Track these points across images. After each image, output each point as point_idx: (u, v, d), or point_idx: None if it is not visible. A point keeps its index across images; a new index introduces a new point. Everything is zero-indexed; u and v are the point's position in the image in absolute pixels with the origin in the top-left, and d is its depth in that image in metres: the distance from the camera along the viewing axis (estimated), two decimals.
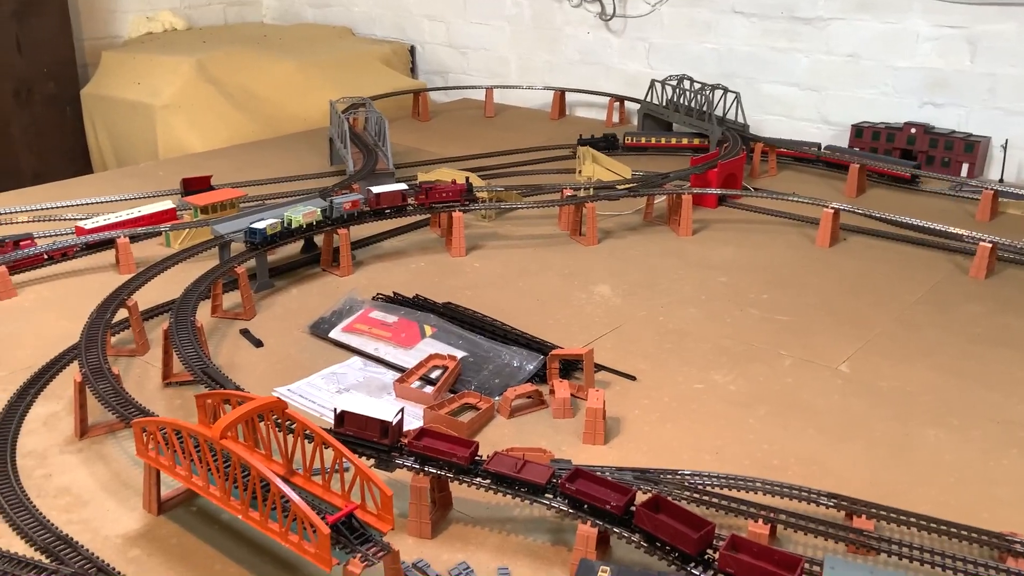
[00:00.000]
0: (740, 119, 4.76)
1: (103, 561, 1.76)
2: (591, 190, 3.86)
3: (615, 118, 5.61)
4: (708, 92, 4.79)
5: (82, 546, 1.80)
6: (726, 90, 4.77)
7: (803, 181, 4.47)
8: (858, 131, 4.76)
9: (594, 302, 3.10)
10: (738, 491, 1.92)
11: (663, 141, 4.96)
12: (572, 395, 2.40)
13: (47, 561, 1.77)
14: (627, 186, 3.96)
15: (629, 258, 3.50)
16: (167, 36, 6.45)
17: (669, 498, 1.72)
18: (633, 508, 1.72)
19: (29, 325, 2.81)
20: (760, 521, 1.80)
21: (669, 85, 5.07)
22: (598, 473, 1.83)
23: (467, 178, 3.72)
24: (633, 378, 2.57)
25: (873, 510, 1.86)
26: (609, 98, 5.62)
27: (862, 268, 3.40)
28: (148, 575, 1.75)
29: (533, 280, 3.28)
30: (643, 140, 4.95)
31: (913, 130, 4.57)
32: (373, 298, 3.02)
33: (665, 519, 1.65)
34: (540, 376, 2.53)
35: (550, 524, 1.94)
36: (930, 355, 2.72)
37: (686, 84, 4.97)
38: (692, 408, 2.42)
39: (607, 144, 4.84)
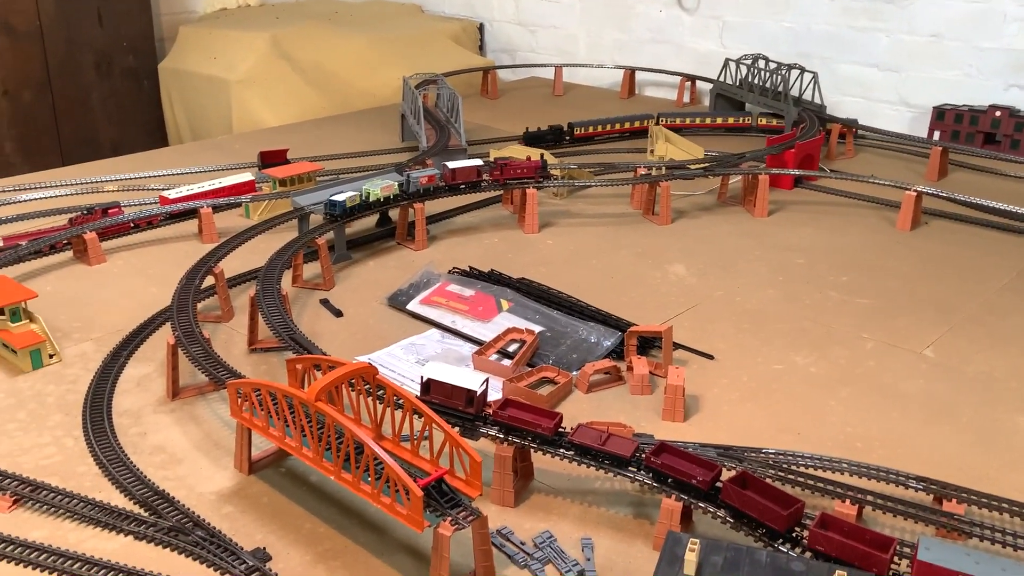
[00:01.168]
0: (817, 100, 4.66)
1: (198, 516, 1.82)
2: (664, 169, 3.83)
3: (686, 98, 5.55)
4: (784, 72, 4.71)
5: (178, 501, 1.87)
6: (803, 70, 4.68)
7: (882, 163, 4.38)
8: (939, 114, 4.63)
9: (669, 281, 3.08)
10: (824, 471, 1.91)
11: (608, 128, 4.74)
12: (650, 372, 2.40)
13: (146, 514, 1.84)
14: (701, 166, 3.92)
15: (703, 238, 3.47)
16: (241, 12, 6.54)
17: (755, 475, 1.72)
18: (719, 484, 1.72)
19: (118, 290, 2.90)
20: (848, 502, 1.78)
21: (743, 64, 4.99)
22: (682, 448, 1.82)
23: (542, 155, 3.72)
24: (711, 357, 2.55)
25: (963, 494, 1.83)
26: (680, 77, 5.55)
27: (945, 252, 3.32)
28: (241, 531, 1.80)
29: (606, 258, 3.27)
30: (590, 129, 4.70)
31: (998, 113, 4.44)
32: (449, 272, 3.05)
33: (753, 495, 1.65)
34: (617, 353, 2.54)
35: (632, 497, 1.94)
36: (1018, 341, 2.65)
37: (761, 63, 4.89)
38: (772, 388, 2.40)
39: (554, 137, 4.58)
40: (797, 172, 3.92)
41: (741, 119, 4.89)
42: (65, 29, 5.58)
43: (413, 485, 1.57)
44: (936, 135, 4.62)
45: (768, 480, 1.76)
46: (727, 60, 5.10)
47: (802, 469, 1.89)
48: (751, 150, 4.10)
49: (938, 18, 4.68)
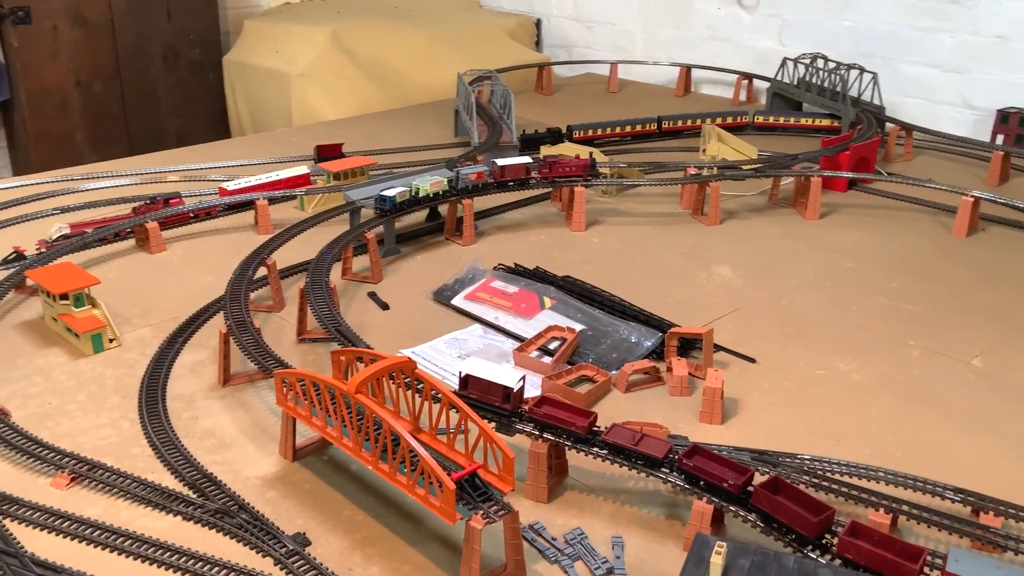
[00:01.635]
0: (876, 101, 4.58)
1: (243, 499, 1.89)
2: (715, 169, 3.81)
3: (742, 96, 5.50)
4: (843, 72, 4.64)
5: (225, 484, 1.94)
6: (862, 70, 4.60)
7: (941, 167, 4.29)
8: (1003, 117, 4.52)
9: (714, 282, 3.08)
10: (859, 479, 1.90)
11: (610, 131, 4.63)
12: (690, 374, 2.41)
13: (194, 496, 1.92)
14: (753, 166, 3.89)
15: (752, 239, 3.45)
16: (304, 6, 6.66)
17: (788, 481, 1.72)
18: (750, 488, 1.73)
19: (176, 278, 3.01)
20: (881, 510, 1.78)
21: (802, 63, 4.93)
22: (716, 451, 1.84)
23: (591, 153, 3.73)
24: (753, 360, 2.55)
25: (1001, 507, 1.81)
26: (737, 75, 5.50)
27: (1001, 260, 3.25)
28: (283, 515, 1.87)
29: (652, 257, 3.28)
30: (590, 132, 4.57)
31: None
32: (495, 268, 3.09)
33: (784, 501, 1.66)
34: (657, 353, 2.55)
35: (664, 498, 1.96)
36: None
37: (820, 63, 4.82)
38: (813, 393, 2.39)
39: (552, 139, 4.41)
40: (851, 175, 3.87)
41: (738, 118, 4.81)
42: (135, 22, 5.76)
43: (446, 478, 1.62)
44: (999, 139, 4.51)
45: (801, 486, 1.77)
46: (785, 59, 5.04)
47: (837, 476, 1.89)
48: (805, 151, 4.05)
49: (1004, 19, 4.56)
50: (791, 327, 2.76)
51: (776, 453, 1.97)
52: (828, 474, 1.90)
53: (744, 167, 3.89)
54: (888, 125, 4.48)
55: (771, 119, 4.87)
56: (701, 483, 1.78)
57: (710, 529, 1.77)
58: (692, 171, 3.78)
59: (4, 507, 1.85)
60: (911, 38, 4.91)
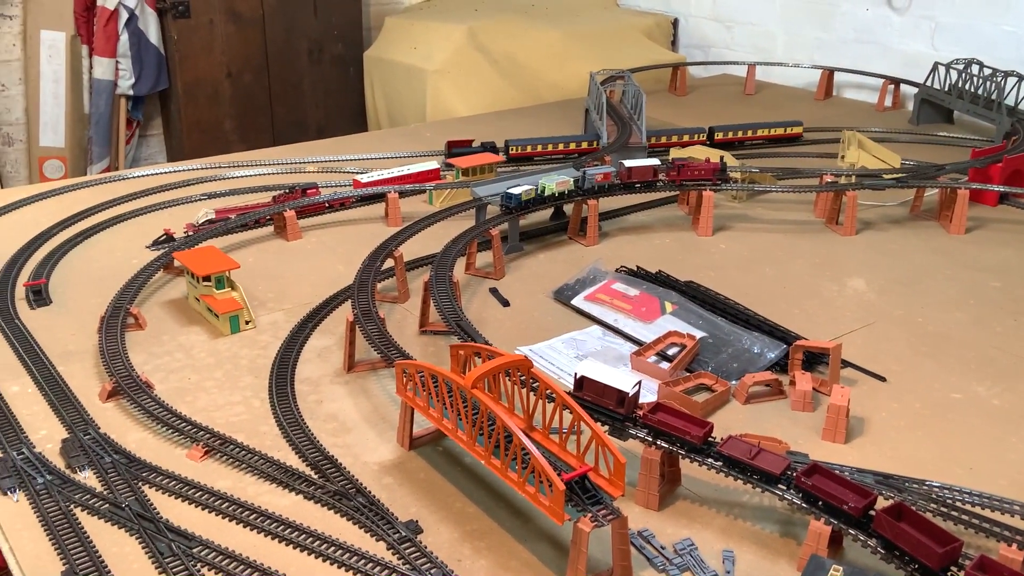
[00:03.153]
0: None
1: (361, 483, 1.96)
2: (853, 177, 3.67)
3: (887, 102, 5.26)
4: (999, 79, 4.37)
5: (344, 467, 2.02)
6: (1021, 77, 4.32)
7: None
8: None
9: (846, 295, 2.96)
10: (992, 511, 1.79)
11: (548, 148, 4.24)
12: (814, 389, 2.33)
13: (315, 476, 2.00)
14: (895, 176, 3.72)
15: (889, 252, 3.30)
16: (443, 3, 6.80)
17: (913, 507, 1.65)
18: (872, 512, 1.66)
19: (310, 265, 3.13)
20: (1014, 546, 1.67)
21: (954, 69, 4.67)
22: (837, 471, 1.77)
23: (721, 157, 3.66)
24: (883, 379, 2.44)
25: None
26: (883, 80, 5.27)
27: None
28: (398, 501, 1.93)
29: (780, 266, 3.18)
30: (528, 148, 4.19)
31: None
32: (616, 270, 3.07)
33: (907, 528, 1.58)
34: (781, 365, 2.48)
35: (779, 515, 1.91)
36: None
37: (974, 69, 4.56)
38: (947, 418, 2.27)
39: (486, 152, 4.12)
40: (1002, 188, 3.64)
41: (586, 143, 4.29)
42: (284, 18, 6.03)
43: (556, 478, 1.63)
44: None
45: (928, 515, 1.68)
46: (936, 64, 4.79)
47: (967, 507, 1.79)
48: (952, 162, 3.84)
49: None
50: (926, 346, 2.62)
51: (902, 478, 1.88)
52: (958, 504, 1.80)
53: (885, 176, 3.72)
54: None
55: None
56: (820, 503, 1.72)
57: (827, 551, 1.71)
58: (828, 179, 3.65)
59: (143, 474, 1.98)
60: None
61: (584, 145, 4.31)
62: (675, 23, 6.56)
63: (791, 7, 5.87)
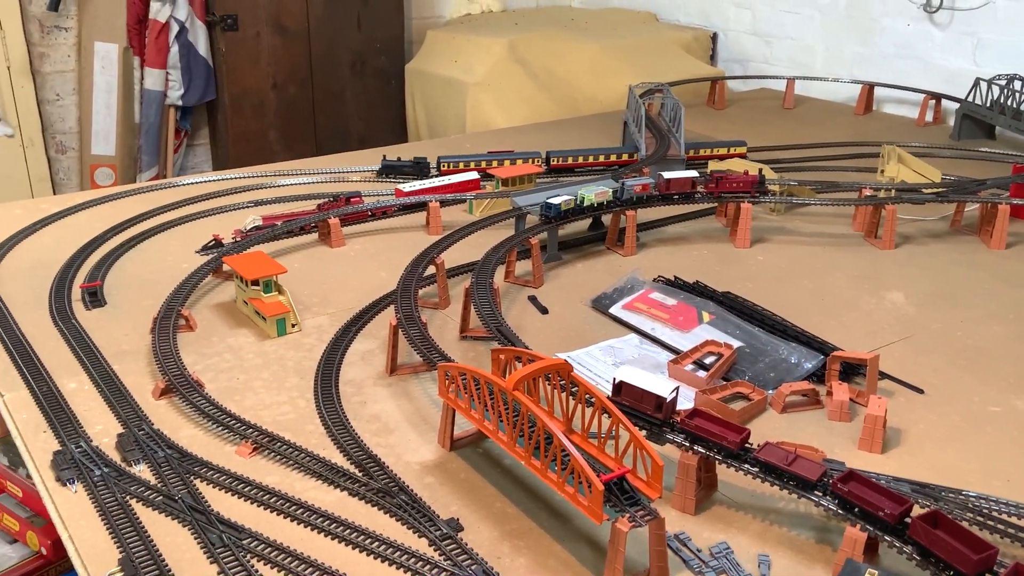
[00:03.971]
0: None
1: (403, 482, 2.02)
2: (893, 191, 3.67)
3: (928, 117, 5.24)
4: None
5: (387, 466, 2.07)
6: None
7: None
8: None
9: (884, 308, 2.97)
10: None
11: (590, 159, 4.21)
12: (851, 399, 2.35)
13: (359, 474, 2.06)
14: (935, 190, 3.71)
15: (928, 266, 3.30)
16: (484, 17, 6.90)
17: (949, 516, 1.66)
18: (908, 519, 1.68)
19: (353, 271, 3.21)
20: None
21: (996, 85, 4.65)
22: (873, 479, 1.79)
23: (760, 170, 3.68)
24: (920, 391, 2.45)
25: None
26: (924, 95, 5.25)
27: None
28: (439, 501, 1.98)
29: (819, 279, 3.20)
30: (460, 165, 4.12)
31: None
32: (654, 280, 3.11)
33: (943, 535, 1.60)
34: (817, 376, 2.50)
35: (815, 522, 1.93)
36: None
37: (1017, 84, 4.53)
38: (985, 431, 2.27)
39: (414, 170, 4.14)
40: None
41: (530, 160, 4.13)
42: (328, 30, 6.16)
43: (595, 479, 1.67)
44: None
45: (963, 523, 1.70)
46: (978, 79, 4.77)
47: (1003, 516, 1.80)
48: (993, 177, 3.83)
49: None
50: (965, 360, 2.63)
51: (938, 487, 1.90)
52: (995, 513, 1.81)
53: (925, 191, 3.71)
54: None
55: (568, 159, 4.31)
56: (856, 509, 1.74)
57: (862, 557, 1.72)
58: (868, 192, 3.65)
59: (195, 468, 2.06)
60: None
61: (624, 157, 4.34)
62: (714, 37, 6.59)
63: (831, 22, 5.88)
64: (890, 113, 5.60)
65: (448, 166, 4.16)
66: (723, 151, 4.41)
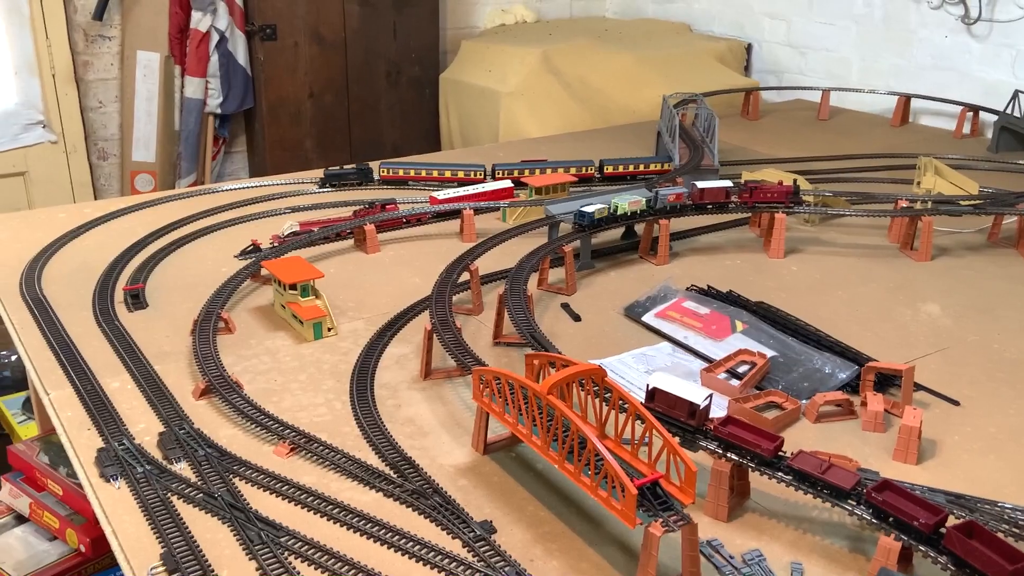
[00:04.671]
0: None
1: (437, 483, 2.04)
2: (929, 203, 3.64)
3: (965, 129, 5.19)
4: None
5: (422, 468, 2.10)
6: None
7: None
8: None
9: (919, 320, 2.95)
10: None
11: (424, 173, 4.12)
12: (885, 410, 2.34)
13: (394, 475, 2.09)
14: (972, 202, 3.68)
15: (965, 279, 3.28)
16: (518, 28, 6.95)
17: (985, 527, 1.65)
18: (943, 529, 1.67)
19: (388, 277, 3.25)
20: None
21: None
22: (908, 489, 1.79)
23: (795, 180, 3.67)
24: (956, 403, 2.43)
25: None
26: (962, 107, 5.21)
27: None
28: (472, 503, 2.00)
29: (853, 290, 3.18)
30: (400, 172, 4.11)
31: None
32: (687, 288, 3.11)
33: (978, 546, 1.59)
34: (852, 387, 2.49)
35: (849, 531, 1.93)
36: None
37: None
38: (1022, 443, 2.25)
39: (360, 177, 4.07)
40: None
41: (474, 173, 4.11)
42: (365, 40, 6.24)
43: (629, 483, 1.68)
44: None
45: (999, 534, 1.69)
46: (1017, 91, 4.73)
47: None
48: None
49: None
50: (1003, 372, 2.60)
51: (974, 498, 1.89)
52: None
53: (962, 203, 3.69)
54: None
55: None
56: (890, 519, 1.74)
57: (896, 567, 1.72)
58: (904, 204, 3.63)
59: (234, 467, 2.10)
60: None
61: (666, 166, 4.35)
62: (748, 48, 6.58)
63: (867, 33, 5.85)
64: (927, 125, 5.55)
65: (387, 172, 4.11)
66: (642, 167, 4.34)
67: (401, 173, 4.14)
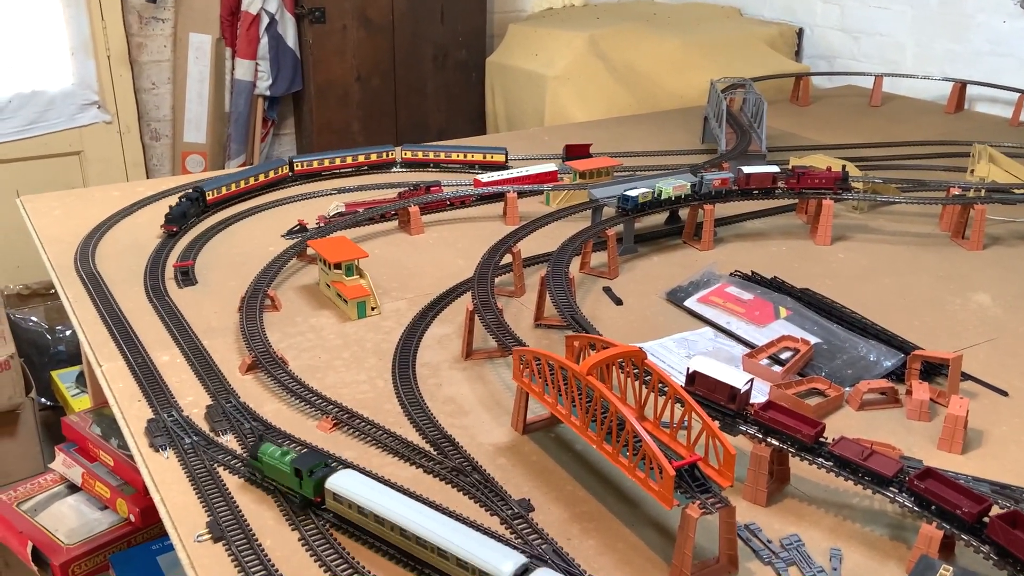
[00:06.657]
0: None
1: (477, 461, 2.06)
2: (982, 191, 3.56)
3: (1023, 116, 5.06)
4: None
5: (461, 446, 2.13)
6: None
7: None
8: None
9: (969, 309, 2.90)
10: None
11: (443, 156, 4.13)
12: (931, 399, 2.30)
13: (434, 453, 2.11)
14: None
15: (1018, 268, 3.20)
16: (565, 12, 6.91)
17: None
18: (986, 519, 1.65)
19: (431, 258, 3.27)
20: None
21: None
22: (951, 477, 1.77)
23: (843, 166, 3.62)
24: (1005, 393, 2.39)
25: None
26: (1019, 94, 5.07)
27: None
28: (511, 481, 2.02)
29: (901, 279, 3.13)
30: (315, 164, 4.00)
31: None
32: (731, 274, 3.09)
33: (1022, 536, 1.57)
34: (897, 375, 2.46)
35: (890, 519, 1.91)
36: None
37: None
38: None
39: (196, 207, 3.54)
40: None
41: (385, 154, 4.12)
42: (412, 24, 6.26)
43: (667, 464, 1.68)
44: None
45: None
46: None
47: None
48: None
49: None
50: None
51: (1020, 488, 1.86)
52: None
53: (1017, 191, 3.60)
54: None
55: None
56: (932, 507, 1.72)
57: (937, 556, 1.70)
58: (956, 191, 3.56)
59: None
60: None
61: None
62: (800, 33, 6.47)
63: (922, 18, 5.72)
64: (983, 112, 5.42)
65: (303, 165, 4.03)
66: (479, 156, 4.22)
67: (420, 156, 4.23)
